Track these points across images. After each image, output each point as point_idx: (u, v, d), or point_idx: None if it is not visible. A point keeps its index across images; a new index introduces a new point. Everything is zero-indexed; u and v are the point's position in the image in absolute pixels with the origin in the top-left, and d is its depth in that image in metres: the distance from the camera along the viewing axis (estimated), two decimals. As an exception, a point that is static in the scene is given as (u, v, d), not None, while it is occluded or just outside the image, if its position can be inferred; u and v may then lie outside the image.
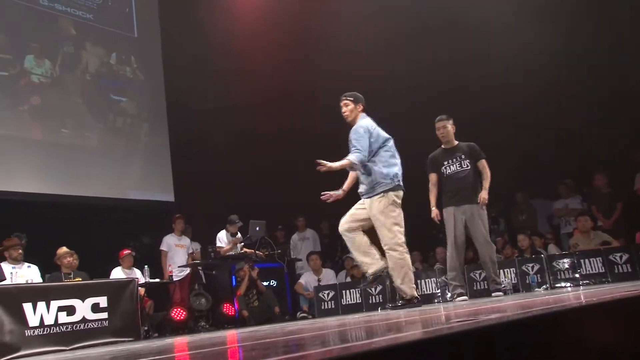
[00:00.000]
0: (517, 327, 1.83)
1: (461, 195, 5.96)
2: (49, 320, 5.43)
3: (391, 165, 5.14)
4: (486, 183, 5.95)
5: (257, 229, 8.29)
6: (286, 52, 10.17)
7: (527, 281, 6.45)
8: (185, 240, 8.60)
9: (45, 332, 5.38)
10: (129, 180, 9.43)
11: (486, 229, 5.93)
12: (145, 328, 6.67)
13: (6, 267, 6.33)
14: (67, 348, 5.40)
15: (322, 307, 7.64)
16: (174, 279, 8.13)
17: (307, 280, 8.44)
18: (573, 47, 8.29)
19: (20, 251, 6.57)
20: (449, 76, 9.17)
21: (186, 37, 10.10)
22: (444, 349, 1.57)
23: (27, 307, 5.34)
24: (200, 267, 8.35)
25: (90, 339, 5.56)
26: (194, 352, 2.54)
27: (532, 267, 6.50)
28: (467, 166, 6.01)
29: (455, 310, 3.54)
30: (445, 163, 6.08)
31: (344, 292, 7.57)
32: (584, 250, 6.60)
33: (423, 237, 9.23)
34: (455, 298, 5.96)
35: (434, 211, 6.05)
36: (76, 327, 5.60)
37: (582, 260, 6.35)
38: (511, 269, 6.58)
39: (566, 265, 6.37)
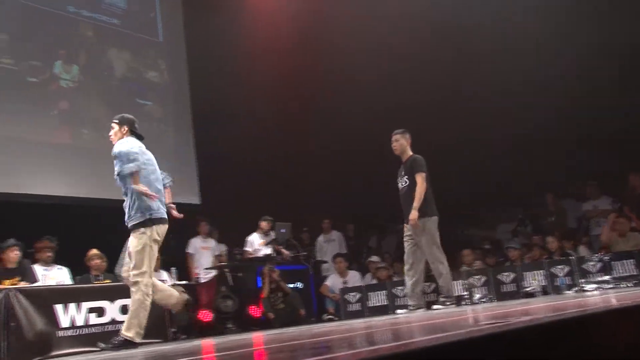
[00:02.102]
0: (547, 329, 1.80)
1: (404, 212, 5.98)
2: (79, 321, 5.52)
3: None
4: (415, 201, 5.79)
5: (283, 231, 8.31)
6: (311, 55, 10.19)
7: (556, 283, 6.35)
8: (211, 243, 8.67)
9: (76, 333, 5.46)
10: (155, 183, 9.51)
11: (430, 248, 5.85)
12: (173, 329, 6.72)
13: (38, 269, 6.44)
14: (98, 349, 5.47)
15: (348, 309, 7.62)
16: (201, 281, 8.19)
17: (332, 282, 8.43)
18: (603, 46, 8.14)
19: (50, 254, 6.68)
20: (470, 78, 9.09)
21: (210, 41, 10.16)
22: (473, 352, 1.55)
23: (59, 308, 5.44)
24: (226, 269, 8.40)
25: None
26: (222, 354, 2.55)
27: (562, 269, 6.40)
28: (405, 182, 6.00)
29: (484, 313, 3.50)
30: (398, 179, 6.14)
31: (370, 294, 7.55)
32: (616, 252, 6.47)
33: (447, 240, 9.19)
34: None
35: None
36: (106, 328, 5.68)
37: (613, 263, 6.21)
38: (539, 271, 6.49)
39: (597, 268, 6.25)
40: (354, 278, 8.45)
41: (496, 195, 9.93)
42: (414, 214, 5.75)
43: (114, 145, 4.84)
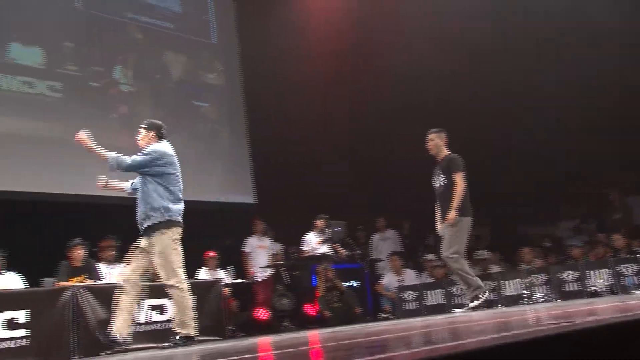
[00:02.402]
0: (615, 330, 1.73)
1: (441, 212, 5.95)
2: (142, 318, 5.67)
3: None
4: (453, 201, 5.75)
5: (338, 229, 8.31)
6: (366, 57, 10.17)
7: (624, 282, 6.09)
8: (267, 241, 8.76)
9: (139, 330, 5.61)
10: (211, 184, 9.69)
11: (451, 244, 5.75)
12: (231, 327, 6.82)
13: (102, 267, 6.65)
14: (159, 345, 5.62)
15: (405, 308, 7.56)
16: (257, 279, 8.28)
17: (388, 280, 8.38)
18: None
19: (114, 252, 6.89)
20: (531, 70, 8.88)
21: (264, 41, 10.27)
22: (535, 352, 1.50)
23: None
24: (282, 268, 8.47)
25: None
26: (279, 352, 2.57)
27: (629, 268, 6.14)
28: (442, 182, 5.97)
29: (546, 312, 3.40)
30: (433, 178, 6.12)
31: (426, 292, 7.46)
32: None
33: (506, 238, 9.01)
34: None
35: (437, 226, 6.09)
36: (166, 325, 5.81)
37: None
38: (604, 270, 6.25)
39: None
40: (409, 276, 8.37)
41: (557, 192, 9.66)
42: (453, 214, 5.73)
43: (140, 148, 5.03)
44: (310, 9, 10.78)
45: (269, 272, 8.47)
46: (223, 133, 10.29)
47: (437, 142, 6.04)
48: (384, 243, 9.54)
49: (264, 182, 10.09)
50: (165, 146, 5.06)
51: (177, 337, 4.69)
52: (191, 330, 4.70)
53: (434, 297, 7.39)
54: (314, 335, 4.48)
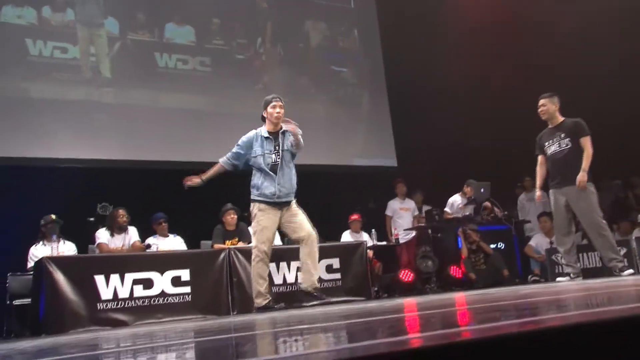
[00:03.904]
0: None
1: (561, 177, 5.81)
2: (290, 279, 5.97)
3: None
4: (584, 163, 5.65)
5: (482, 190, 8.09)
6: (511, 17, 9.68)
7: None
8: (409, 203, 8.76)
9: (288, 290, 5.91)
10: (353, 148, 9.84)
11: (593, 208, 5.61)
12: (375, 289, 6.96)
13: (252, 230, 7.05)
14: (307, 305, 5.88)
15: (557, 271, 7.21)
16: (400, 242, 8.33)
17: (537, 242, 8.03)
18: None
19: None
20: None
21: (401, 4, 10.12)
22: None
23: (272, 266, 5.91)
24: (427, 230, 8.44)
25: (328, 297, 5.95)
26: (426, 313, 2.59)
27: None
28: (567, 145, 5.75)
29: None
30: (547, 143, 5.93)
31: (580, 255, 7.05)
32: None
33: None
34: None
35: (537, 193, 6.24)
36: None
37: None
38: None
39: None
40: (561, 238, 7.95)
41: None
42: (583, 176, 5.60)
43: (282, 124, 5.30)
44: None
45: (412, 234, 8.48)
46: (363, 97, 10.36)
47: (549, 108, 5.95)
48: (531, 204, 9.13)
49: (403, 144, 10.05)
50: None
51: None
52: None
53: (589, 260, 6.98)
54: (460, 297, 4.44)
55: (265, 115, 5.35)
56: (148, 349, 2.23)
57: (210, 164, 5.58)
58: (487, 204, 8.06)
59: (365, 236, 7.87)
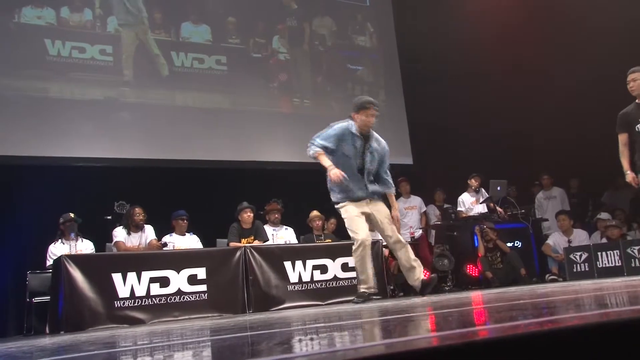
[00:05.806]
0: None
1: None
2: (306, 277, 5.98)
3: None
4: None
5: (499, 188, 8.03)
6: (530, 18, 9.61)
7: None
8: (415, 201, 8.72)
9: (303, 288, 5.93)
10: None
11: None
12: (391, 287, 6.94)
13: (267, 229, 7.08)
14: (323, 303, 5.89)
15: (574, 270, 7.14)
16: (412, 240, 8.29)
17: (555, 241, 7.95)
18: None
19: (278, 215, 7.29)
20: None
21: (417, 2, 10.08)
22: None
23: (287, 265, 5.95)
24: (441, 229, 8.40)
25: (342, 295, 5.96)
26: (442, 312, 2.57)
27: None
28: None
29: None
30: (634, 120, 5.26)
31: (599, 254, 6.97)
32: None
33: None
34: None
35: (629, 175, 5.32)
36: (329, 284, 6.07)
37: None
38: None
39: None
40: (579, 237, 7.87)
41: None
42: None
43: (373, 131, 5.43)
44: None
45: (420, 232, 8.48)
46: (379, 95, 10.32)
47: None
48: (549, 202, 9.05)
49: (419, 143, 10.01)
50: None
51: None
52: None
53: (609, 258, 6.90)
54: (476, 295, 4.41)
55: (355, 117, 5.26)
56: (165, 346, 2.25)
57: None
58: (491, 204, 7.99)
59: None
